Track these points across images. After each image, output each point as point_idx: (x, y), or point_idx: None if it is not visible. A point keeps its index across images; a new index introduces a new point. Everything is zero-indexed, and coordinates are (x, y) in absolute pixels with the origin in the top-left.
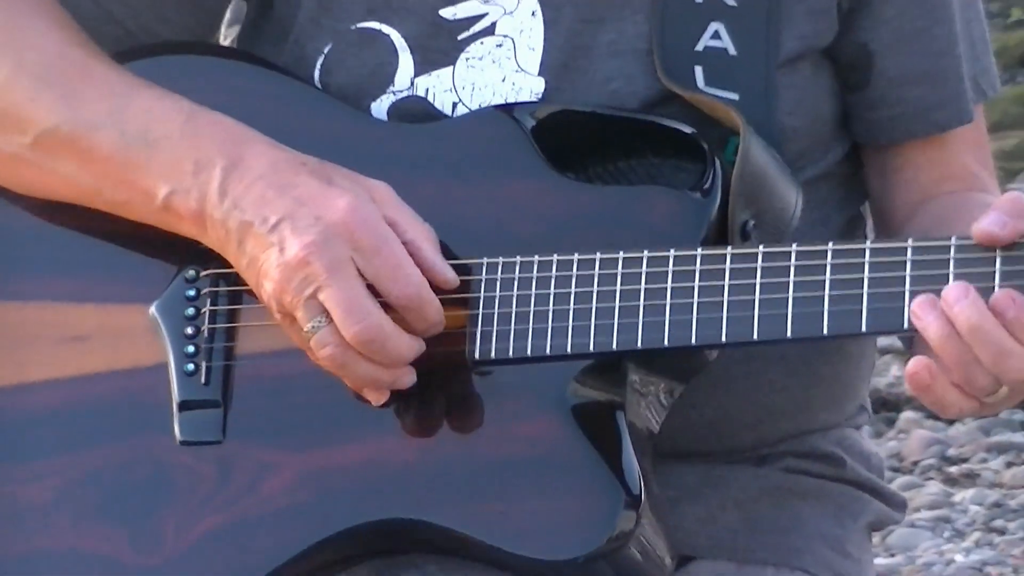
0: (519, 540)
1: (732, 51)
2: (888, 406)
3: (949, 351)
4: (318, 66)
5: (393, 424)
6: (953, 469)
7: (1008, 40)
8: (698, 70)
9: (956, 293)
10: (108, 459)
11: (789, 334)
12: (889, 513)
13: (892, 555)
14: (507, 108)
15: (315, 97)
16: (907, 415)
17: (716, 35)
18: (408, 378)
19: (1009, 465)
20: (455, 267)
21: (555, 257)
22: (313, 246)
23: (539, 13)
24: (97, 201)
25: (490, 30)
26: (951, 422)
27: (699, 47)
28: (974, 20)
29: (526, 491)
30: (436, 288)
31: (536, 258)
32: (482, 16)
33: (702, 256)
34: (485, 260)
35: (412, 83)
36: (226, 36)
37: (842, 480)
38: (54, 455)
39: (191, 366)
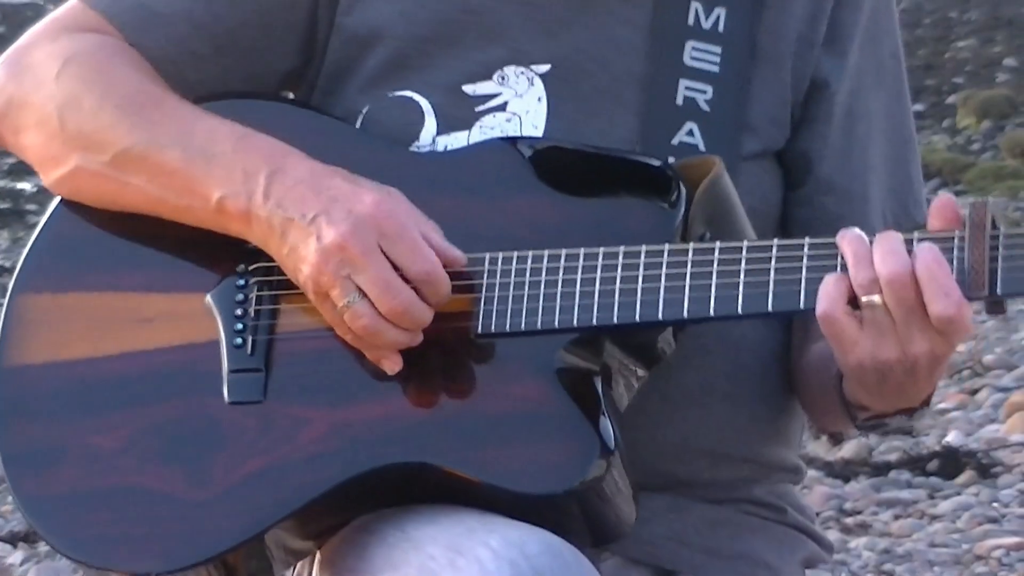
0: (508, 478)
1: (701, 147)
2: None
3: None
4: (358, 122)
5: (407, 387)
6: (849, 520)
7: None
8: (671, 159)
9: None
10: (168, 415)
11: (739, 311)
12: (820, 553)
13: None
14: (510, 139)
15: (355, 134)
16: (811, 473)
17: (690, 133)
18: (419, 339)
19: (896, 517)
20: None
21: (546, 252)
22: (347, 234)
23: (544, 100)
24: (162, 208)
25: (502, 107)
26: (847, 480)
27: (675, 141)
28: (904, 161)
29: (516, 440)
30: (447, 266)
31: (531, 252)
32: (497, 95)
33: (668, 250)
34: (488, 255)
35: (433, 140)
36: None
37: (783, 523)
38: (123, 411)
39: (239, 340)
